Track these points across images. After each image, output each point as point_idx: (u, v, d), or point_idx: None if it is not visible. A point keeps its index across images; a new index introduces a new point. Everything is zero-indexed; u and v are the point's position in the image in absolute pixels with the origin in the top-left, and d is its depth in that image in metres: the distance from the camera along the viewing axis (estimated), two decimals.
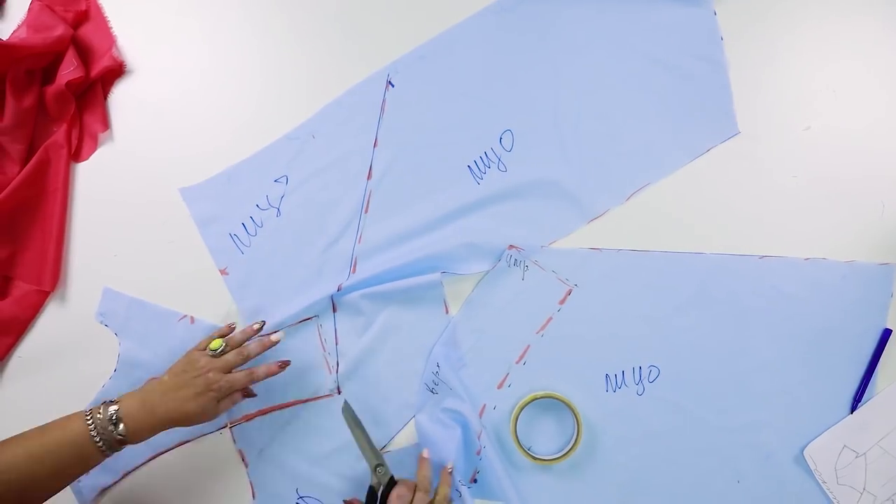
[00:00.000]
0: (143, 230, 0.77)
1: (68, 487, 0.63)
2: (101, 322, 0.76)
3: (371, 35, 0.77)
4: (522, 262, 0.73)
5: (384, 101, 0.75)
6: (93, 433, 0.58)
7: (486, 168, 0.74)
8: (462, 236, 0.72)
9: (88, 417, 0.59)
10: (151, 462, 0.74)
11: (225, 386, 0.62)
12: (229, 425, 0.73)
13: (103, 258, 0.77)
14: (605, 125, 0.74)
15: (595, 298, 0.72)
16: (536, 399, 0.70)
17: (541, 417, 0.72)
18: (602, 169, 0.74)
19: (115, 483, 0.74)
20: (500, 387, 0.72)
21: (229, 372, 0.63)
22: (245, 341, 0.67)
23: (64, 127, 0.77)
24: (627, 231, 0.73)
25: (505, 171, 0.74)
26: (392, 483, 0.66)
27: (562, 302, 0.72)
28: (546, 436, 0.72)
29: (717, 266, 0.72)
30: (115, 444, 0.60)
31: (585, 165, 0.74)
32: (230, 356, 0.64)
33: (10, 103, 0.75)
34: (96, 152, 0.79)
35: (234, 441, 0.74)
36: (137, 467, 0.74)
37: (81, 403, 0.72)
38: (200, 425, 0.66)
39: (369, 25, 0.77)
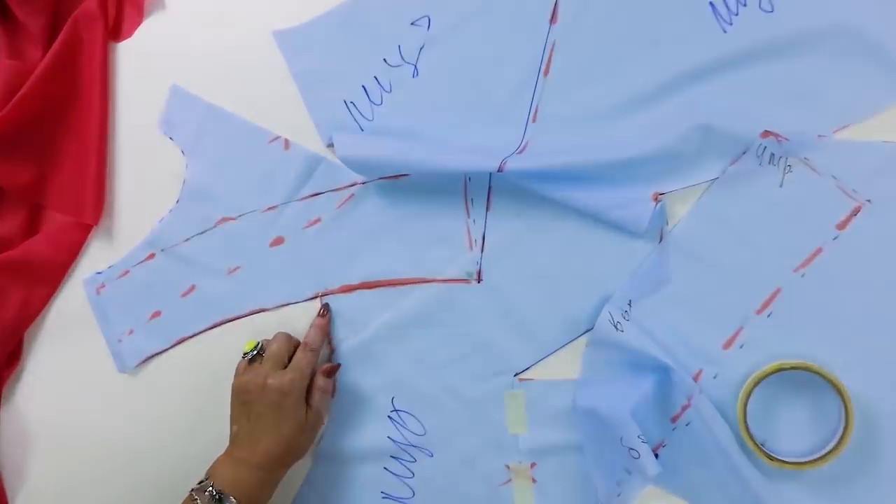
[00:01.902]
0: None
1: (106, 349, 0.66)
2: (165, 133, 0.65)
3: None
4: (784, 160, 0.53)
5: None
6: None
7: (741, 6, 0.52)
8: (693, 116, 0.52)
9: None
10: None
11: (297, 377, 0.57)
12: (319, 296, 0.63)
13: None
14: None
15: None
16: (783, 370, 0.52)
17: (786, 398, 0.54)
18: None
19: (166, 350, 0.66)
20: (727, 346, 0.54)
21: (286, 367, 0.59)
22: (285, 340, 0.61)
23: None
24: None
25: (770, 10, 0.52)
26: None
27: (841, 226, 0.52)
28: (794, 426, 0.54)
29: None
30: None
31: None
32: (299, 354, 0.59)
33: None
34: (142, 25, 0.66)
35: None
36: (197, 334, 0.65)
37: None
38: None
39: None
